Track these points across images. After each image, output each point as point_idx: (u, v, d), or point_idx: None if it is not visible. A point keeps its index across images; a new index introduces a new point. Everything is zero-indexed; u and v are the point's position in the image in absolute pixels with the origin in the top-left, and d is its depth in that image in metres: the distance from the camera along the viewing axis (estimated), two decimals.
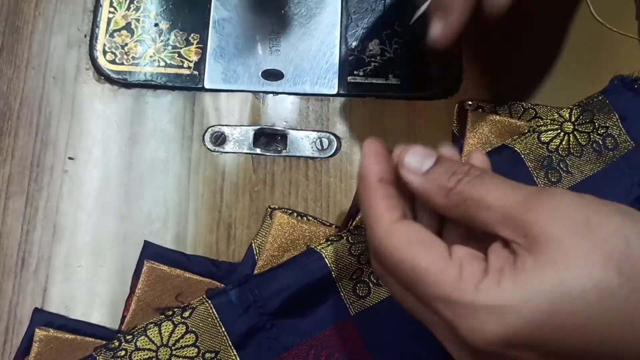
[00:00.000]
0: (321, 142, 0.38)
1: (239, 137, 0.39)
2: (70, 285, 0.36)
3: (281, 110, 0.39)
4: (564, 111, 0.37)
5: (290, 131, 0.39)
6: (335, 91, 0.39)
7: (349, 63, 0.40)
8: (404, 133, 0.38)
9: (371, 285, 0.34)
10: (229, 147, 0.38)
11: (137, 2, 0.41)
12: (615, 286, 0.22)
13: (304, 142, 0.39)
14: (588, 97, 0.37)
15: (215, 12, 0.41)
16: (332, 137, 0.39)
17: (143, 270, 0.34)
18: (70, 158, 0.38)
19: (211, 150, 0.38)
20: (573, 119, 0.37)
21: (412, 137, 0.38)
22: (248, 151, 0.38)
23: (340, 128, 0.39)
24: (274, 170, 0.38)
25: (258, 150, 0.38)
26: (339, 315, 0.34)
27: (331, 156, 0.38)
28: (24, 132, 0.38)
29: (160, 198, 0.37)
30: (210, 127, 0.39)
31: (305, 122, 0.39)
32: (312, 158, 0.38)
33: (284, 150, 0.38)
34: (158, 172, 0.38)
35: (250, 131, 0.39)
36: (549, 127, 0.36)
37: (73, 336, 0.34)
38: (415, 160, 0.27)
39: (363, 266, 0.34)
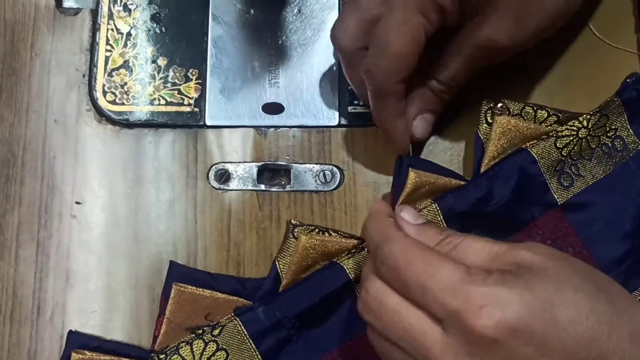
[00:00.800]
0: (324, 175, 0.39)
1: (243, 174, 0.39)
2: (86, 331, 0.37)
3: (283, 144, 0.39)
4: (583, 118, 0.37)
5: (294, 165, 0.39)
6: (336, 122, 0.40)
7: (349, 92, 0.40)
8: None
9: None
10: (233, 184, 0.39)
11: (133, 38, 0.40)
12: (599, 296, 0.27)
13: (307, 175, 0.39)
14: (606, 100, 0.37)
15: (213, 46, 0.40)
16: (335, 169, 0.39)
17: (172, 294, 0.35)
18: (77, 202, 0.38)
19: (216, 189, 0.39)
20: (590, 125, 0.37)
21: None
22: (253, 188, 0.39)
23: (343, 159, 0.39)
24: (279, 206, 0.38)
25: (262, 187, 0.39)
26: (362, 324, 0.35)
27: (335, 189, 0.39)
28: (29, 178, 0.39)
29: (169, 239, 0.38)
30: (214, 164, 0.39)
31: (308, 155, 0.39)
32: (317, 192, 0.39)
33: (288, 185, 0.39)
34: (165, 213, 0.38)
35: (254, 167, 0.39)
36: (565, 133, 0.37)
37: (109, 357, 0.35)
38: (409, 216, 0.32)
39: None
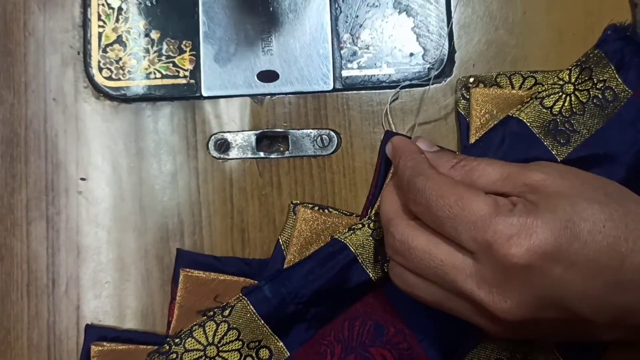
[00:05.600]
0: (322, 139, 0.40)
1: (242, 143, 0.40)
2: (101, 301, 0.38)
3: (280, 111, 0.40)
4: (563, 73, 0.37)
5: (291, 131, 0.40)
6: (330, 87, 0.40)
7: (342, 56, 0.40)
8: (400, 120, 0.39)
9: None
10: (233, 153, 0.40)
11: (124, 13, 0.40)
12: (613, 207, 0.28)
13: (305, 141, 0.40)
14: (584, 54, 0.38)
15: (205, 16, 0.40)
16: (332, 133, 0.40)
17: (180, 278, 0.37)
18: (82, 179, 0.39)
19: (217, 158, 0.39)
20: (573, 80, 0.37)
21: (411, 126, 0.39)
22: (252, 156, 0.40)
23: (340, 123, 0.40)
24: (279, 172, 0.39)
25: (262, 154, 0.40)
26: (367, 289, 0.36)
27: (333, 152, 0.40)
28: (34, 157, 0.39)
29: (174, 209, 0.39)
30: (213, 134, 0.40)
31: (304, 120, 0.40)
32: (315, 156, 0.40)
33: (287, 151, 0.40)
34: (168, 185, 0.39)
35: (253, 136, 0.40)
36: (550, 92, 0.37)
37: (127, 346, 0.37)
38: (424, 145, 0.35)
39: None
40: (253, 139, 0.40)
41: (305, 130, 0.40)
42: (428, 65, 0.40)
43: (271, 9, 0.41)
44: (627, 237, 0.27)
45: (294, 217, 0.38)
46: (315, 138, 0.40)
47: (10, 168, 0.39)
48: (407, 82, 0.39)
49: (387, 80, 0.40)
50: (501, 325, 0.29)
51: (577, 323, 0.29)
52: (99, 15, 0.40)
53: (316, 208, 0.38)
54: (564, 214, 0.28)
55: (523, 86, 0.38)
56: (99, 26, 0.40)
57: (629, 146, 0.37)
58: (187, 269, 0.37)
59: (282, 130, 0.40)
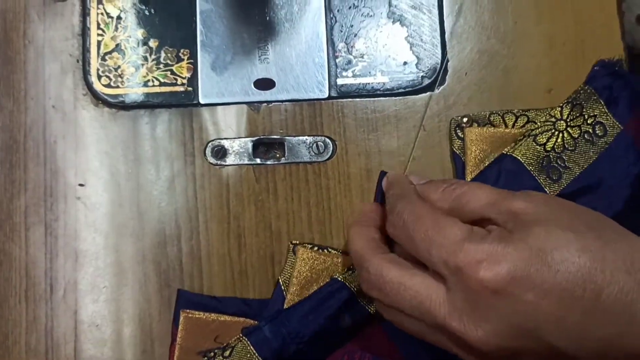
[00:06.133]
0: (317, 146, 0.40)
1: (239, 149, 0.40)
2: (99, 305, 0.39)
3: (276, 118, 0.41)
4: (554, 110, 0.38)
5: (287, 138, 0.40)
6: (326, 95, 0.41)
7: (337, 65, 0.41)
8: (394, 128, 0.40)
9: None
10: (230, 159, 0.40)
11: (123, 22, 0.41)
12: (595, 243, 0.28)
13: (301, 147, 0.40)
14: (575, 91, 0.39)
15: (202, 26, 0.41)
16: (327, 140, 0.40)
17: (180, 319, 0.37)
18: (80, 185, 0.40)
19: (214, 165, 0.40)
20: (565, 116, 0.38)
21: (405, 134, 0.40)
22: (249, 162, 0.40)
23: (335, 130, 0.41)
24: (275, 178, 0.40)
25: (258, 160, 0.40)
26: (366, 323, 0.37)
27: (328, 159, 0.40)
28: (32, 163, 0.40)
29: (172, 215, 0.39)
30: (210, 141, 0.40)
31: (300, 127, 0.41)
32: (311, 163, 0.40)
33: (283, 158, 0.40)
34: (166, 190, 0.40)
35: (249, 142, 0.40)
36: (543, 129, 0.38)
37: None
38: (416, 179, 0.36)
39: None
40: (250, 145, 0.40)
41: (301, 137, 0.40)
42: (421, 74, 0.41)
43: (268, 18, 0.41)
44: (604, 268, 0.27)
45: (294, 257, 0.38)
46: (310, 145, 0.40)
47: (9, 174, 0.40)
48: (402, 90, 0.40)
49: (381, 89, 0.41)
50: (480, 357, 0.29)
51: (559, 358, 0.28)
52: (98, 24, 0.41)
53: (315, 248, 0.38)
54: (537, 241, 0.28)
55: (516, 124, 0.39)
56: (98, 34, 0.41)
57: (620, 180, 0.37)
58: (188, 310, 0.37)
59: (278, 137, 0.40)
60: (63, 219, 0.39)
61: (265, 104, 0.41)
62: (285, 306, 0.37)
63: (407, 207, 0.32)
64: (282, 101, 0.41)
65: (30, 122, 0.40)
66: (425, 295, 0.29)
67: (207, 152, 0.40)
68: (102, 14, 0.41)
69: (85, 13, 0.41)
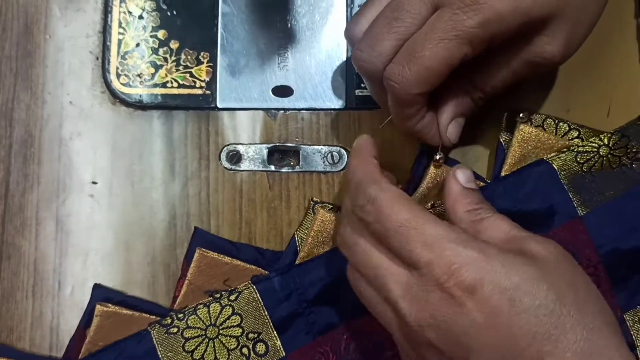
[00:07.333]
0: (332, 156, 0.40)
1: (254, 155, 0.40)
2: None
3: (293, 126, 0.41)
4: (603, 136, 0.39)
5: (302, 147, 0.40)
6: (343, 105, 0.41)
7: (356, 76, 0.41)
8: (410, 142, 0.40)
9: None
10: (244, 165, 0.40)
11: (145, 21, 0.41)
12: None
13: (315, 157, 0.40)
14: (628, 122, 0.39)
15: (223, 29, 0.41)
16: (342, 150, 0.40)
17: (195, 257, 0.38)
18: (94, 182, 0.40)
19: (228, 169, 0.40)
20: (610, 144, 0.38)
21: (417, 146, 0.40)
22: (263, 168, 0.40)
23: (351, 141, 0.40)
24: (289, 186, 0.40)
25: (272, 167, 0.40)
26: None
27: (342, 169, 0.40)
28: (47, 158, 0.40)
29: (184, 218, 0.39)
30: (226, 146, 0.40)
31: (316, 136, 0.41)
32: (325, 172, 0.40)
33: (297, 166, 0.40)
34: (179, 192, 0.40)
35: (264, 149, 0.40)
36: (586, 149, 0.38)
37: (131, 312, 0.37)
38: (462, 176, 0.34)
39: None
40: (265, 152, 0.40)
41: (316, 146, 0.40)
42: None
43: (289, 25, 0.42)
44: (558, 344, 0.27)
45: (313, 215, 0.38)
46: (325, 154, 0.40)
47: (23, 168, 0.40)
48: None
49: None
50: (404, 337, 0.30)
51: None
52: (120, 22, 0.41)
53: (335, 209, 0.39)
54: (519, 279, 0.28)
55: (566, 135, 0.39)
56: (119, 33, 0.41)
57: None
58: (203, 249, 0.38)
59: (293, 145, 0.40)
60: (75, 215, 0.39)
61: (282, 111, 0.41)
62: (298, 262, 0.38)
63: (380, 195, 0.31)
64: (299, 109, 0.41)
65: (47, 117, 0.40)
66: (386, 269, 0.30)
67: (222, 156, 0.40)
68: (124, 12, 0.41)
69: (107, 10, 0.41)
